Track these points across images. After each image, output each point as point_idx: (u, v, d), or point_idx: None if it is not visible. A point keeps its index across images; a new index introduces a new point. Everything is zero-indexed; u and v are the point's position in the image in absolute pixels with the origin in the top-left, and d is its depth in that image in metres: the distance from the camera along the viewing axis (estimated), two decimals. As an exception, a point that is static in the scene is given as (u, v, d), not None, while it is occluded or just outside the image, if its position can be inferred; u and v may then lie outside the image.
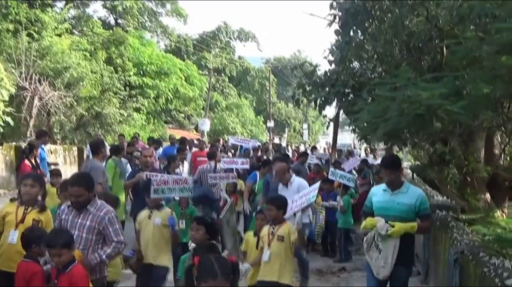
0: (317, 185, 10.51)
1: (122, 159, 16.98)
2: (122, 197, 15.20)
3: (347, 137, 62.88)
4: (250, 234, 10.36)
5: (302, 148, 46.20)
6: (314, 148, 35.12)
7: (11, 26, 34.05)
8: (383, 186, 9.08)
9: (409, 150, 22.68)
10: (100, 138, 19.44)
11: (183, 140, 24.03)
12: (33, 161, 15.34)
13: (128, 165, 17.75)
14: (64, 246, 6.87)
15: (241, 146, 27.64)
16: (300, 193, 10.49)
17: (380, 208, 8.88)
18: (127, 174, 15.78)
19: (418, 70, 12.95)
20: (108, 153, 17.50)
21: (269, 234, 9.51)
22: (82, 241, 7.68)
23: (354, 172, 20.79)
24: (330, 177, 16.52)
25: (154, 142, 25.30)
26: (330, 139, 72.56)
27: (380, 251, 8.47)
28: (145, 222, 10.10)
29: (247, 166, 18.84)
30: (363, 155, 34.63)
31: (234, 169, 18.08)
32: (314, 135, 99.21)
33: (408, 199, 8.72)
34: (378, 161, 25.57)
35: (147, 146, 22.34)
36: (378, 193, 9.13)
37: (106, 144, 19.80)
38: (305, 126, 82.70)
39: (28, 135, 30.15)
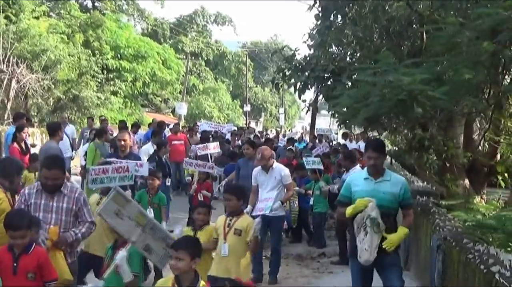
0: (273, 195, 10.55)
1: (106, 143, 16.86)
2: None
3: (322, 122, 62.97)
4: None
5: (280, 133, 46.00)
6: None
7: (-12, 10, 33.73)
8: (363, 174, 8.52)
9: (386, 135, 22.74)
10: (59, 121, 19.02)
11: (161, 124, 23.87)
12: (22, 145, 14.98)
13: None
14: (28, 227, 6.76)
15: (215, 132, 27.33)
16: (266, 196, 10.49)
17: (367, 197, 8.20)
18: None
19: (397, 55, 12.93)
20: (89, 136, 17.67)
21: (225, 225, 8.85)
22: (62, 224, 7.62)
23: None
24: (307, 166, 16.53)
25: (133, 126, 25.02)
26: (306, 124, 72.45)
27: (366, 234, 7.95)
28: (93, 208, 8.71)
29: (218, 150, 19.23)
30: (340, 140, 34.66)
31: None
32: (290, 119, 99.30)
33: (392, 187, 8.22)
34: (353, 145, 25.77)
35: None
36: (359, 182, 8.47)
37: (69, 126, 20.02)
38: (281, 110, 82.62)
39: (6, 117, 29.98)
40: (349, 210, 8.15)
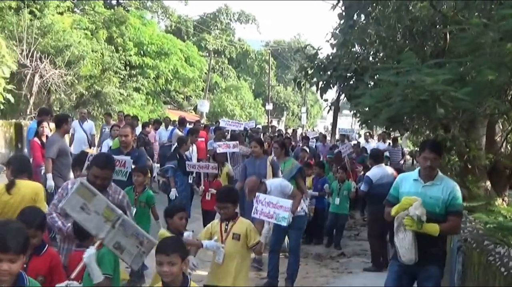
0: (289, 205, 9.04)
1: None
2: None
3: (344, 121, 62.97)
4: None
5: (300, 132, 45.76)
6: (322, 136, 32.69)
7: (13, 4, 33.79)
8: (413, 175, 8.07)
9: (408, 136, 22.67)
10: (65, 114, 18.61)
11: (182, 120, 23.77)
12: (43, 139, 14.56)
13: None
14: (39, 227, 6.57)
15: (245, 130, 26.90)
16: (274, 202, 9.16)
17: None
18: None
19: (420, 56, 12.90)
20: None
21: (221, 231, 8.46)
22: None
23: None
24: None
25: (155, 122, 25.34)
26: (327, 123, 72.28)
27: (406, 232, 7.50)
28: None
29: (237, 149, 18.36)
30: (362, 140, 34.61)
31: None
32: (312, 118, 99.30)
33: (441, 192, 7.69)
34: (372, 144, 25.75)
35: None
36: (407, 183, 8.06)
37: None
38: (303, 109, 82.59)
39: (28, 112, 30.17)
40: (394, 210, 7.73)
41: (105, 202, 6.32)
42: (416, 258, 7.50)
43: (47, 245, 6.65)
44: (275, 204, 8.96)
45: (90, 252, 6.24)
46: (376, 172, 13.71)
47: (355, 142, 30.00)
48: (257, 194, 9.37)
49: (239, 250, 8.37)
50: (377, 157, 14.60)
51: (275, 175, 13.15)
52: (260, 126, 31.97)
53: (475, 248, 7.97)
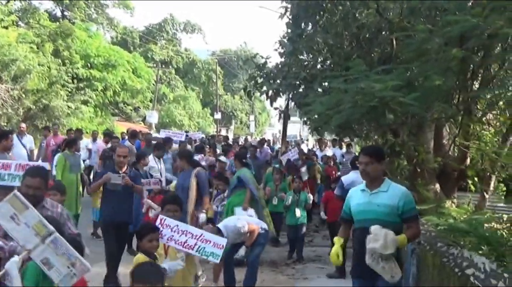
0: (223, 242, 8.33)
1: (76, 153, 16.43)
2: (71, 191, 15.13)
3: (293, 128, 63.10)
4: None
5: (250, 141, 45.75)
6: (262, 141, 32.25)
7: (-44, 19, 33.56)
8: (361, 186, 7.76)
9: (358, 141, 22.88)
10: (5, 130, 17.51)
11: (134, 133, 23.37)
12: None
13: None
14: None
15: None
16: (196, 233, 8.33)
17: (359, 212, 7.58)
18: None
19: (368, 62, 13.05)
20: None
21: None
22: None
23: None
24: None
25: (105, 135, 24.93)
26: (276, 131, 72.44)
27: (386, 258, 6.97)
28: None
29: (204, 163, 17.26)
30: (311, 147, 34.73)
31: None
32: (261, 126, 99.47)
33: (389, 199, 7.35)
34: (326, 152, 25.87)
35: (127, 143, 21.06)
36: (356, 195, 7.76)
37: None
38: (252, 118, 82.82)
39: (-24, 129, 29.85)
40: (333, 256, 7.52)
41: (37, 217, 6.11)
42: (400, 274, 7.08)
43: None
44: (198, 236, 8.18)
45: (13, 260, 6.07)
46: (350, 177, 13.61)
47: (305, 147, 30.16)
48: (161, 217, 8.36)
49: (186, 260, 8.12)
50: (355, 163, 14.28)
51: (200, 187, 13.15)
52: (203, 136, 31.67)
53: (428, 250, 8.10)
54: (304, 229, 15.86)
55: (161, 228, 8.06)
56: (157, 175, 15.63)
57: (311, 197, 16.43)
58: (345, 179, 13.66)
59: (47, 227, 6.10)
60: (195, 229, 8.35)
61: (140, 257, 7.50)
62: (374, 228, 7.05)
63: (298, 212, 15.52)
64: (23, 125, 22.44)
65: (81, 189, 15.95)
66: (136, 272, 5.87)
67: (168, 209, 8.56)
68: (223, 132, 68.68)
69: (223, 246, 8.16)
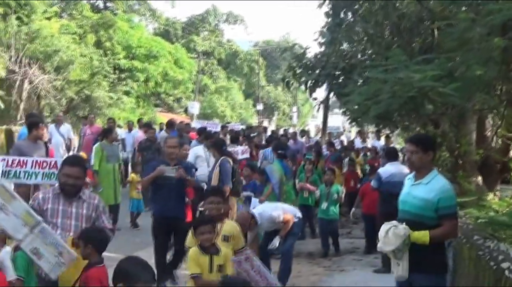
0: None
1: (114, 143, 16.36)
2: (109, 181, 15.25)
3: (336, 120, 62.83)
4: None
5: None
6: (303, 132, 31.78)
7: (0, 10, 33.74)
8: (411, 175, 7.48)
9: (399, 133, 22.65)
10: (36, 119, 16.76)
11: (171, 123, 23.06)
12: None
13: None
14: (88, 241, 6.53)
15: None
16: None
17: (400, 202, 7.36)
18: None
19: (408, 52, 12.89)
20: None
21: None
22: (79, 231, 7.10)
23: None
24: None
25: (145, 125, 23.58)
26: (318, 122, 72.57)
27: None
28: None
29: (247, 155, 16.56)
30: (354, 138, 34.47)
31: None
32: (304, 118, 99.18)
33: (426, 192, 6.98)
34: (368, 144, 25.61)
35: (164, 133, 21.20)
36: (405, 185, 7.47)
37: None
38: (294, 109, 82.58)
39: (18, 118, 30.10)
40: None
41: (24, 208, 6.24)
42: (406, 275, 6.90)
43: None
44: (262, 274, 8.14)
45: (5, 250, 6.27)
46: (388, 169, 13.34)
47: (343, 139, 29.95)
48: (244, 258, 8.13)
49: (230, 253, 7.94)
50: (390, 154, 14.12)
51: (221, 177, 12.73)
52: (242, 127, 30.93)
53: (465, 243, 7.92)
54: (336, 225, 15.36)
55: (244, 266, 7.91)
56: (203, 164, 15.33)
57: (343, 189, 16.01)
58: (383, 171, 13.41)
59: (34, 217, 6.23)
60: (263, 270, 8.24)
61: (194, 250, 7.55)
62: (384, 225, 7.00)
63: (324, 205, 15.02)
64: (60, 114, 22.57)
65: (119, 179, 15.98)
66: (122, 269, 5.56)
67: (211, 201, 8.37)
68: (265, 123, 68.63)
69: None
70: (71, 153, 19.89)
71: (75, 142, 22.83)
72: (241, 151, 16.26)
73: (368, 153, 22.31)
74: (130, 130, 24.06)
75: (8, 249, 6.20)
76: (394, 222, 7.00)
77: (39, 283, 7.04)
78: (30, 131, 12.87)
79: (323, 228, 15.26)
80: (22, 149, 12.31)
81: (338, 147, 21.88)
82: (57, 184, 7.52)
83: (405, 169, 12.64)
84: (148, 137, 19.20)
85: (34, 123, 12.99)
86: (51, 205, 7.14)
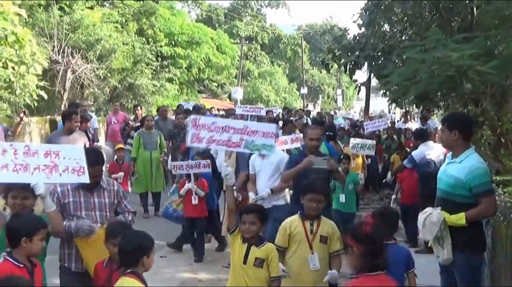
0: (273, 129, 7.61)
1: (152, 130, 16.31)
2: (146, 169, 15.70)
3: (381, 102, 62.54)
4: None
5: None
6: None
7: (42, 1, 34.09)
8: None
9: (442, 113, 22.51)
10: (70, 110, 15.51)
11: (197, 108, 22.68)
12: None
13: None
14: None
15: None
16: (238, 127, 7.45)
17: (437, 179, 7.44)
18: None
19: (448, 31, 12.80)
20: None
21: (307, 232, 7.31)
22: (104, 220, 7.23)
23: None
24: (351, 150, 15.64)
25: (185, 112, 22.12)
26: (364, 104, 72.37)
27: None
28: None
29: (298, 144, 13.74)
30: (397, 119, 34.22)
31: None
32: (348, 100, 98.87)
33: (457, 171, 7.05)
34: (409, 125, 25.39)
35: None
36: (446, 160, 7.57)
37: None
38: (339, 92, 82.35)
39: (63, 108, 30.41)
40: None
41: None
42: (451, 258, 6.97)
43: None
44: (242, 129, 7.36)
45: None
46: (421, 150, 13.24)
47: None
48: (194, 117, 7.73)
49: (326, 255, 7.39)
50: (421, 135, 13.94)
51: (238, 163, 12.29)
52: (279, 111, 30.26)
53: (502, 221, 7.86)
54: (352, 219, 13.22)
55: (195, 131, 7.39)
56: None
57: (361, 176, 15.16)
58: (416, 153, 13.34)
59: None
60: (236, 122, 7.70)
61: (235, 234, 7.11)
62: (420, 215, 7.11)
63: (342, 197, 13.08)
64: (85, 103, 22.58)
65: (161, 166, 16.09)
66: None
67: (311, 199, 7.32)
68: (310, 107, 68.54)
69: (273, 134, 7.52)
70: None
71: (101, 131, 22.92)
72: (290, 139, 13.81)
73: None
74: (164, 118, 22.91)
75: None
76: (429, 210, 7.10)
77: (65, 275, 7.35)
78: (63, 122, 12.80)
79: (338, 221, 13.66)
80: (52, 142, 11.72)
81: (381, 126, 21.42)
82: None
83: (439, 148, 13.00)
84: (176, 124, 18.42)
85: (67, 114, 12.86)
86: (73, 199, 7.20)
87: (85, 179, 6.72)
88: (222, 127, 7.29)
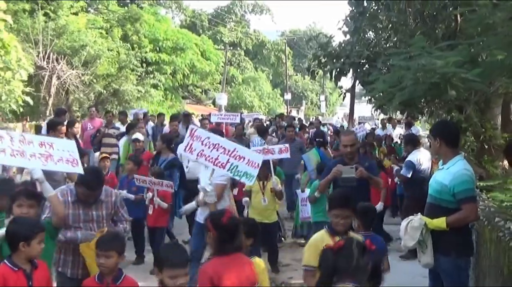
0: (259, 160, 7.72)
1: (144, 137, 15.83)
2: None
3: (365, 109, 62.76)
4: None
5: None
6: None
7: (27, 6, 34.13)
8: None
9: (426, 119, 22.67)
10: (55, 120, 14.60)
11: (186, 115, 21.69)
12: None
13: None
14: (120, 250, 6.31)
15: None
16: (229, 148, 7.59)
17: (429, 184, 7.65)
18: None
19: (432, 39, 12.95)
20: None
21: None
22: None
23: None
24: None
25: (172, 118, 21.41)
26: (347, 110, 72.49)
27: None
28: None
29: (287, 155, 12.59)
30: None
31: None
32: (332, 106, 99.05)
33: (443, 177, 7.25)
34: (395, 131, 25.43)
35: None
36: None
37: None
38: (322, 98, 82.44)
39: (48, 114, 30.44)
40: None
41: None
42: (432, 262, 7.15)
43: (124, 274, 6.36)
44: (231, 151, 7.43)
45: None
46: (415, 156, 13.14)
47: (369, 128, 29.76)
48: (192, 127, 8.05)
49: None
50: (413, 141, 13.85)
51: None
52: (260, 117, 29.97)
53: (486, 225, 8.01)
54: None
55: (190, 141, 7.59)
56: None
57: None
58: (414, 159, 13.11)
59: None
60: (228, 143, 7.74)
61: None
62: (402, 222, 7.33)
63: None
64: (63, 109, 22.07)
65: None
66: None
67: (336, 215, 6.81)
68: (294, 113, 68.67)
69: (258, 165, 7.54)
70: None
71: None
72: (278, 149, 12.51)
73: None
74: (161, 124, 22.48)
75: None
76: (410, 217, 7.31)
77: (60, 280, 7.48)
78: (48, 132, 12.34)
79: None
80: None
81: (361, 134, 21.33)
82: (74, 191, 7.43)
83: (427, 154, 13.21)
84: (171, 130, 18.28)
85: (51, 125, 12.63)
86: (72, 211, 7.30)
87: (79, 170, 7.05)
88: (214, 144, 7.41)
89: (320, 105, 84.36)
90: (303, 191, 13.50)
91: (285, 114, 47.45)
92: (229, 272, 5.63)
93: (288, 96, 71.44)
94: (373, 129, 25.91)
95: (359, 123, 28.90)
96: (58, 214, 6.68)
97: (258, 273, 6.12)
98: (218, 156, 7.43)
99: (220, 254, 5.76)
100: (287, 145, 12.83)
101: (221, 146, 7.44)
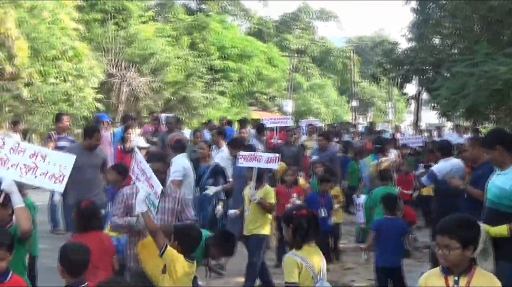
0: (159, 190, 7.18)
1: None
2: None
3: (433, 116, 61.98)
4: None
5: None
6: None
7: (99, 16, 34.92)
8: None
9: (493, 126, 22.46)
10: (92, 126, 13.63)
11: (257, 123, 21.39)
12: (127, 144, 14.15)
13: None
14: (9, 248, 5.78)
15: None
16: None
17: (486, 189, 7.46)
18: None
19: (497, 45, 12.90)
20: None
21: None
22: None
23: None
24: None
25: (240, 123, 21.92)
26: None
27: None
28: None
29: (275, 166, 11.38)
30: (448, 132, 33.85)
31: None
32: (399, 113, 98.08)
33: (503, 182, 7.14)
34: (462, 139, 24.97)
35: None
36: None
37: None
38: (389, 104, 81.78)
39: (118, 120, 30.99)
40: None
41: None
42: (494, 269, 6.76)
43: (11, 272, 5.83)
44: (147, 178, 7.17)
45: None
46: (442, 166, 11.67)
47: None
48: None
49: None
50: (445, 149, 12.24)
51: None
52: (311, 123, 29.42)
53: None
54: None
55: (134, 164, 7.50)
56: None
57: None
58: (437, 169, 11.68)
59: None
60: (145, 169, 7.24)
61: None
62: None
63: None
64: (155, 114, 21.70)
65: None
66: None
67: None
68: (360, 120, 68.35)
69: (158, 195, 6.94)
70: None
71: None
72: (267, 158, 11.07)
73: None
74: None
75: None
76: None
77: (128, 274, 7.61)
78: (84, 138, 11.80)
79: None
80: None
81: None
82: None
83: (458, 164, 11.70)
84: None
85: (88, 131, 11.97)
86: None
87: (60, 188, 6.72)
88: (142, 169, 7.22)
89: (387, 112, 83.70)
90: (358, 197, 13.54)
91: (350, 121, 47.09)
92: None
93: (355, 103, 71.10)
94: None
95: (427, 130, 28.28)
96: (23, 226, 6.19)
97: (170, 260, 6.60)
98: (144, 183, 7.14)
99: (81, 232, 7.46)
100: (277, 155, 11.41)
101: (145, 172, 7.16)
